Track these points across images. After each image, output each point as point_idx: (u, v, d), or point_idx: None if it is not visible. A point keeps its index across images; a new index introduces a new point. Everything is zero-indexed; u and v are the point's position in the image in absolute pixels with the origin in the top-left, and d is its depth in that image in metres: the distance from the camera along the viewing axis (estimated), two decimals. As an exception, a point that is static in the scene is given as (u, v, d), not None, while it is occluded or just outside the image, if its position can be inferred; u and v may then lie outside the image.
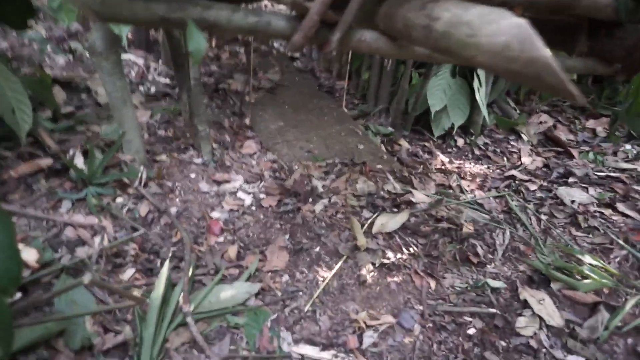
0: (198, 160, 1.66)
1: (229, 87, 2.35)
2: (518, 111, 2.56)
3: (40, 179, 1.40)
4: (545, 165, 2.10)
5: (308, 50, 2.96)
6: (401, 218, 1.50)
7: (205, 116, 1.61)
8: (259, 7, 0.63)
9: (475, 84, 2.02)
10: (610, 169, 2.11)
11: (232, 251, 1.28)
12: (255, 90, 2.30)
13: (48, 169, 1.43)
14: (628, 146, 2.35)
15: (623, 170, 2.10)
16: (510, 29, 0.49)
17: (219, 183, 1.58)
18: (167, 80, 2.36)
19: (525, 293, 1.28)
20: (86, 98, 2.00)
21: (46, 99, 1.59)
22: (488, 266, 1.40)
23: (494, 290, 1.31)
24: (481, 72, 2.06)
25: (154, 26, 0.56)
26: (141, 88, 2.24)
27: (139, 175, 1.43)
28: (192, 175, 1.58)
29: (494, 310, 1.22)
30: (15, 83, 1.18)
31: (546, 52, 0.44)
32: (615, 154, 2.29)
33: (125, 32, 1.13)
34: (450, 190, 1.77)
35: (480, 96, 2.06)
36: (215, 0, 0.59)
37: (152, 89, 2.23)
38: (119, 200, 1.38)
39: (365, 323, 1.14)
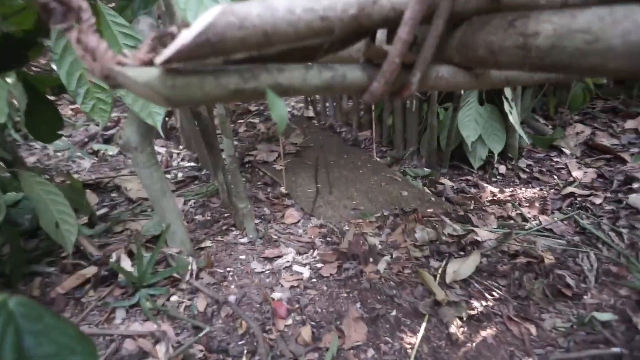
0: (244, 240, 1.58)
1: (255, 158, 2.32)
2: (550, 126, 2.48)
3: (88, 291, 1.32)
4: (600, 176, 1.97)
5: (322, 107, 2.96)
6: (473, 261, 1.37)
7: (245, 193, 1.55)
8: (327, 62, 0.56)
9: (507, 107, 1.95)
10: (669, 167, 1.98)
11: (306, 333, 1.16)
12: (281, 156, 2.26)
13: (94, 278, 1.35)
14: (678, 140, 2.22)
15: (684, 166, 1.96)
16: None
17: (271, 260, 1.48)
18: (192, 164, 2.34)
19: (642, 321, 1.12)
20: (117, 196, 1.97)
21: (81, 205, 1.55)
22: (585, 297, 1.25)
23: (605, 324, 1.15)
24: (509, 94, 2.01)
25: (226, 101, 0.50)
26: (168, 176, 2.21)
27: (189, 267, 1.35)
28: (242, 257, 1.49)
29: (617, 350, 1.06)
30: (57, 195, 1.14)
31: None
32: (667, 150, 2.16)
33: (159, 122, 1.10)
34: (512, 221, 1.64)
35: (514, 118, 1.99)
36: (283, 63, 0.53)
37: (179, 175, 2.21)
38: (174, 298, 1.28)
39: (476, 391, 0.99)
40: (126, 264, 1.34)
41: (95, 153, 2.48)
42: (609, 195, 1.77)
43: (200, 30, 0.36)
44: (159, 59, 0.38)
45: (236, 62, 0.50)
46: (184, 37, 0.36)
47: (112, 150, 2.49)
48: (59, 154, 2.44)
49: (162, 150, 2.48)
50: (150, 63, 0.46)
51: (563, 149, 2.26)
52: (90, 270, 1.37)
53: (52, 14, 0.44)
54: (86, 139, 2.75)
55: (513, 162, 2.14)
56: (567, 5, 0.78)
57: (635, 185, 1.81)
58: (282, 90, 0.54)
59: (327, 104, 2.93)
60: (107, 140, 2.75)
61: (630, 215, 1.59)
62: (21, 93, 1.26)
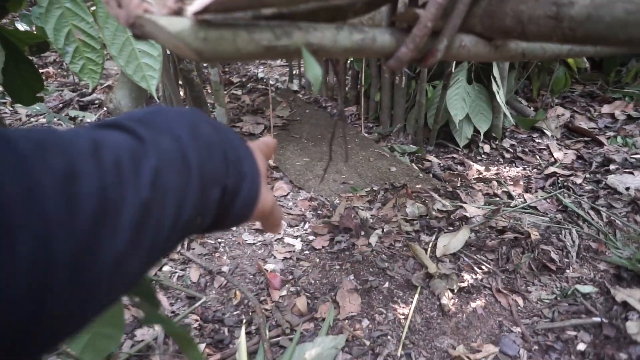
0: (234, 211, 1.56)
1: (241, 130, 2.28)
2: (532, 108, 2.53)
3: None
4: (579, 157, 2.04)
5: (307, 81, 2.92)
6: (463, 236, 1.40)
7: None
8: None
9: (494, 87, 1.97)
10: (644, 149, 2.06)
11: (301, 303, 1.17)
12: (268, 129, 2.23)
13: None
14: (653, 125, 2.31)
15: (658, 149, 2.05)
16: None
17: (262, 231, 1.47)
18: None
19: (621, 294, 1.18)
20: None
21: None
22: (567, 271, 1.31)
23: (586, 296, 1.21)
24: (497, 74, 2.03)
25: (257, 58, 0.48)
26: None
27: (181, 237, 1.33)
28: (233, 228, 1.47)
29: (597, 319, 1.12)
30: None
31: None
32: (641, 134, 2.25)
33: (154, 86, 1.05)
34: (498, 199, 1.69)
35: (501, 98, 2.02)
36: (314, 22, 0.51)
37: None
38: (166, 268, 1.26)
39: (468, 358, 1.02)
40: (115, 233, 1.31)
41: (72, 120, 2.37)
42: (588, 175, 1.84)
43: None
44: (193, 7, 0.36)
45: (265, 18, 0.48)
46: None
47: (89, 117, 2.39)
48: (32, 119, 2.32)
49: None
50: (178, 12, 0.43)
51: (544, 131, 2.31)
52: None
53: None
54: (60, 105, 2.63)
55: (497, 142, 2.18)
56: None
57: (612, 167, 1.89)
58: (312, 50, 0.52)
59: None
60: (84, 107, 2.64)
61: (609, 195, 1.65)
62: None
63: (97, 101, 2.77)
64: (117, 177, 0.22)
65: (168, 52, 1.65)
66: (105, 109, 2.54)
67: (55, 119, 1.99)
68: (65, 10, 0.95)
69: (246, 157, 0.33)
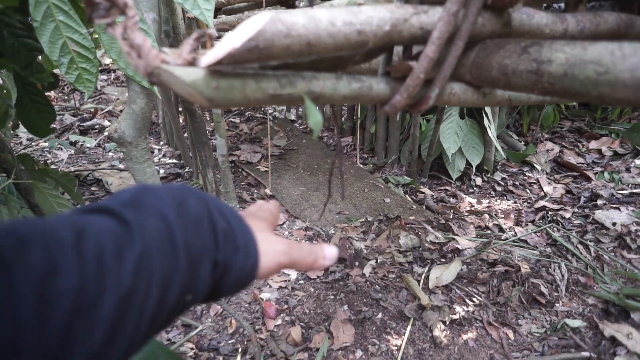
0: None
1: (238, 158, 2.32)
2: (522, 142, 2.60)
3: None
4: (568, 192, 2.09)
5: (304, 111, 2.99)
6: (454, 268, 1.43)
7: (234, 192, 1.55)
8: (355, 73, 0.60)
9: (486, 122, 2.04)
10: (630, 185, 2.12)
11: (296, 333, 1.18)
12: (265, 158, 2.27)
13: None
14: (637, 161, 2.39)
15: (643, 185, 2.11)
16: None
17: (258, 260, 1.49)
18: (174, 160, 2.32)
19: (609, 329, 1.21)
20: (97, 190, 1.93)
21: (72, 194, 1.52)
22: (557, 305, 1.34)
23: (575, 330, 1.23)
24: (488, 110, 2.10)
25: (262, 104, 0.53)
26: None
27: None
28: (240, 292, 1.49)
29: (586, 354, 1.14)
30: (66, 202, 1.13)
31: None
32: (628, 170, 2.32)
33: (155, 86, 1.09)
34: (490, 231, 1.73)
35: (492, 133, 2.09)
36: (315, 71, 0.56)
37: (161, 172, 2.18)
38: (162, 295, 1.28)
39: (460, 391, 1.04)
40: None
41: (72, 144, 2.41)
42: (576, 210, 1.88)
43: (251, 36, 0.38)
44: (206, 60, 0.40)
45: (271, 68, 0.53)
46: (235, 41, 0.39)
47: (90, 142, 2.43)
48: (33, 143, 2.35)
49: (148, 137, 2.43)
50: (192, 63, 0.48)
51: (535, 165, 2.38)
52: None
53: (96, 8, 0.45)
54: (61, 130, 2.67)
55: (489, 175, 2.23)
56: (567, 34, 0.85)
57: (599, 202, 1.94)
58: (313, 97, 0.57)
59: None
60: (84, 132, 2.68)
61: (596, 229, 1.70)
62: (12, 84, 1.23)
63: (97, 126, 2.81)
64: (98, 268, 0.22)
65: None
66: (106, 133, 2.59)
67: (56, 144, 2.02)
68: (59, 23, 0.99)
69: (239, 227, 0.32)
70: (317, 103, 0.68)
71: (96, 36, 1.14)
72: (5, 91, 1.55)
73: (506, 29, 0.64)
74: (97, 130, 2.74)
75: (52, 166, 2.06)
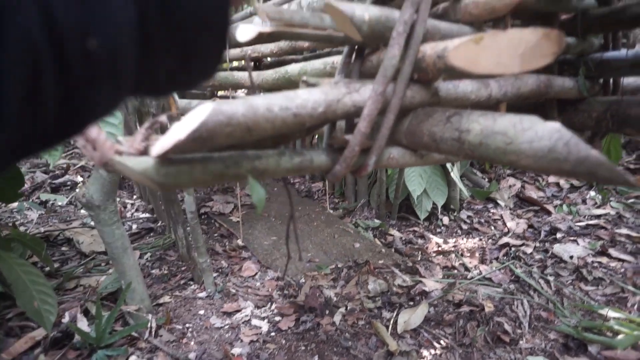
0: (202, 294, 1.60)
1: (211, 210, 2.35)
2: (486, 179, 2.72)
3: (38, 355, 1.28)
4: (530, 226, 2.19)
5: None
6: (422, 311, 1.47)
7: (205, 247, 1.58)
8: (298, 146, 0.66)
9: (448, 164, 2.15)
10: (587, 217, 2.23)
11: (266, 388, 1.20)
12: (238, 208, 2.31)
13: (45, 341, 1.32)
14: (592, 192, 2.52)
15: (598, 217, 2.22)
16: (550, 134, 0.53)
17: (229, 314, 1.51)
18: (147, 215, 2.33)
19: (568, 363, 1.26)
20: (68, 250, 1.93)
21: (40, 257, 1.52)
22: (521, 342, 1.38)
23: (537, 367, 1.28)
24: (449, 153, 2.21)
25: (210, 184, 0.58)
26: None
27: (148, 325, 1.35)
28: (201, 312, 1.50)
29: (547, 390, 1.18)
30: (38, 276, 1.15)
31: (595, 151, 0.49)
32: (584, 202, 2.44)
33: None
34: (456, 271, 1.78)
35: (455, 174, 2.19)
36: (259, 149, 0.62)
37: (134, 227, 2.19)
38: (132, 358, 1.27)
39: None
40: (82, 323, 1.32)
41: (43, 203, 2.41)
42: (537, 244, 1.97)
43: (194, 128, 0.43)
44: (156, 151, 0.46)
45: (219, 149, 0.59)
46: (179, 133, 0.44)
47: (61, 200, 2.43)
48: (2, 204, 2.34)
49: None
50: (144, 151, 0.54)
51: (498, 201, 2.48)
52: (40, 332, 1.33)
53: None
54: (31, 188, 2.66)
55: (455, 214, 2.32)
56: (491, 98, 0.95)
57: (558, 235, 2.03)
58: (258, 174, 0.63)
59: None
60: (56, 189, 2.68)
61: (555, 263, 1.78)
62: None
63: (69, 182, 2.82)
64: None
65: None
66: (77, 191, 2.59)
67: (25, 205, 2.02)
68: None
69: None
70: (262, 177, 0.74)
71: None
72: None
73: (435, 98, 0.72)
74: (69, 187, 2.74)
75: (22, 227, 2.06)
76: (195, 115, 0.45)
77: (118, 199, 2.48)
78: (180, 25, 0.24)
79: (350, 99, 0.60)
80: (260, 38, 0.67)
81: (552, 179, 2.70)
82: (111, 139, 0.78)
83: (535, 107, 1.19)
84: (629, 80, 1.18)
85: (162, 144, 0.46)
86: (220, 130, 0.46)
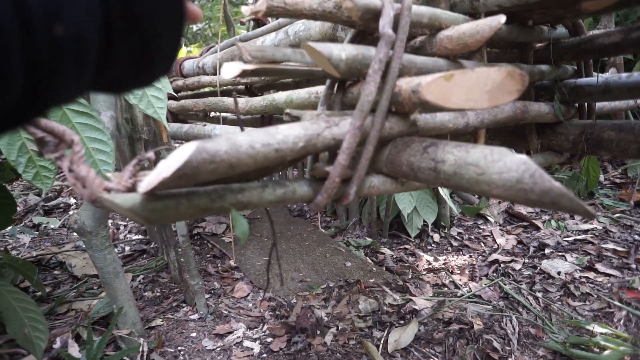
0: (194, 316, 1.61)
1: (204, 230, 2.37)
2: (476, 195, 2.75)
3: (30, 381, 1.28)
4: (519, 242, 2.22)
5: (268, 177, 3.09)
6: (412, 330, 1.49)
7: (196, 270, 1.60)
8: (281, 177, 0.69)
9: (436, 182, 2.18)
10: (574, 232, 2.27)
11: (258, 411, 1.20)
12: (230, 229, 2.32)
13: (37, 367, 1.32)
14: (581, 207, 2.55)
15: (586, 231, 2.26)
16: (518, 166, 0.56)
17: (221, 336, 1.52)
18: (140, 236, 2.34)
19: (556, 380, 1.27)
20: (60, 274, 1.93)
21: (32, 281, 1.52)
22: (509, 359, 1.40)
23: (526, 384, 1.29)
24: (438, 171, 2.25)
25: (196, 217, 0.61)
26: (115, 250, 2.19)
27: (140, 349, 1.36)
28: (193, 334, 1.51)
29: (535, 408, 1.20)
30: (29, 303, 1.16)
31: (557, 183, 0.52)
32: (572, 217, 2.48)
33: (164, 115, 1.15)
34: (446, 289, 1.80)
35: (444, 192, 2.22)
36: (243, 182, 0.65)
37: (127, 249, 2.20)
38: (124, 383, 1.28)
39: None
40: (73, 349, 1.32)
41: (35, 227, 2.41)
42: (526, 260, 2.00)
43: (179, 166, 0.46)
44: (142, 188, 0.48)
45: (203, 184, 0.61)
46: (165, 171, 0.47)
47: (54, 223, 2.44)
48: (-5, 228, 2.34)
49: (109, 222, 2.45)
50: (132, 188, 0.56)
51: (488, 217, 2.52)
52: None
53: (46, 145, 0.53)
54: (24, 211, 2.67)
55: (446, 231, 2.35)
56: (469, 126, 0.99)
57: (547, 251, 2.06)
58: (242, 206, 0.66)
59: (273, 175, 3.07)
60: (49, 212, 2.69)
61: (544, 279, 1.80)
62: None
63: (62, 205, 2.82)
64: None
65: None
66: (70, 213, 2.60)
67: (17, 230, 2.03)
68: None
69: None
70: (246, 209, 0.77)
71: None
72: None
73: (414, 128, 0.75)
74: (62, 210, 2.75)
75: (14, 251, 2.06)
76: (180, 153, 0.47)
77: (111, 221, 2.49)
78: (141, 21, 0.26)
79: (330, 133, 0.63)
80: (244, 74, 0.71)
81: (540, 194, 2.74)
82: (100, 176, 0.80)
83: (516, 131, 1.23)
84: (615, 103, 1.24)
85: (148, 181, 0.48)
86: (204, 167, 0.49)
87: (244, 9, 0.66)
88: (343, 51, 0.60)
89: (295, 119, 0.86)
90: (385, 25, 0.62)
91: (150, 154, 0.60)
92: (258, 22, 1.82)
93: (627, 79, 1.02)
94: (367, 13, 0.65)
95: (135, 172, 0.56)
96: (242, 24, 1.84)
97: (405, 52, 0.81)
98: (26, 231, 2.07)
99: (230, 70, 0.70)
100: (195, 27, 7.95)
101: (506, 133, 1.22)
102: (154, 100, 1.14)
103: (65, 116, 1.11)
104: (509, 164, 0.57)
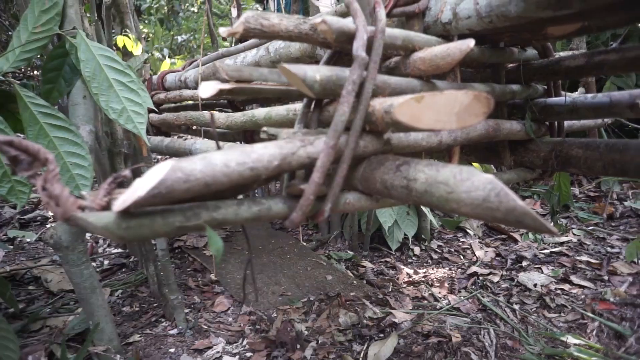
0: (173, 331, 1.59)
1: (184, 244, 2.35)
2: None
3: (1, 400, 1.25)
4: (498, 255, 2.26)
5: (252, 193, 3.09)
6: (391, 343, 1.50)
7: (176, 284, 1.58)
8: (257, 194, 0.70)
9: (416, 195, 2.22)
10: (551, 244, 2.32)
11: None
12: (212, 242, 2.31)
13: (9, 385, 1.28)
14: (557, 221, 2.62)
15: (562, 244, 2.31)
16: (484, 185, 0.58)
17: (201, 352, 1.50)
18: (119, 250, 2.31)
19: (532, 391, 1.30)
20: (35, 289, 1.89)
21: (5, 297, 1.49)
22: (487, 371, 1.42)
23: (502, 396, 1.31)
24: (418, 185, 2.28)
25: (171, 235, 0.61)
26: (93, 264, 2.16)
27: (116, 366, 1.33)
28: (172, 350, 1.49)
29: (511, 420, 1.21)
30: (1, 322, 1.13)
31: (521, 202, 0.54)
32: (549, 229, 2.53)
33: (143, 130, 1.14)
34: (425, 301, 1.82)
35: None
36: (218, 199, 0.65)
37: (106, 263, 2.17)
38: (99, 401, 1.25)
39: None
40: (47, 367, 1.30)
41: (10, 240, 2.36)
42: (504, 273, 2.03)
43: (154, 185, 0.46)
44: (117, 206, 0.49)
45: (179, 202, 0.62)
46: (139, 189, 0.47)
47: (30, 236, 2.39)
48: (-32, 242, 2.29)
49: (87, 235, 2.42)
50: (107, 206, 0.56)
51: (468, 230, 2.56)
52: (4, 376, 1.30)
53: (20, 163, 0.54)
54: None
55: (426, 244, 2.38)
56: (442, 144, 1.01)
57: (524, 263, 2.10)
58: (217, 224, 0.67)
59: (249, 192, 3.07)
60: (25, 225, 2.63)
61: (521, 292, 1.84)
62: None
63: (39, 217, 2.77)
64: None
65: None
66: (47, 227, 2.55)
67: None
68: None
69: None
70: (221, 226, 0.78)
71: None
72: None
73: (388, 147, 0.77)
74: (39, 223, 2.70)
75: (-13, 266, 2.01)
76: (155, 172, 0.48)
77: (90, 235, 2.45)
78: None
79: (305, 152, 0.65)
80: (221, 94, 0.72)
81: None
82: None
83: (491, 148, 1.27)
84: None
85: (123, 199, 0.49)
86: (178, 186, 0.49)
87: (222, 31, 0.67)
88: (317, 73, 0.61)
89: (272, 137, 0.88)
90: (358, 48, 0.64)
91: (127, 172, 0.60)
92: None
93: (592, 99, 1.06)
94: (341, 36, 0.67)
95: (111, 190, 0.56)
96: (224, 39, 1.86)
97: (380, 73, 0.84)
98: (0, 246, 2.03)
99: (208, 90, 0.71)
100: (180, 39, 7.95)
101: (481, 149, 1.26)
102: (133, 115, 1.14)
103: (42, 130, 1.11)
104: (476, 183, 0.59)
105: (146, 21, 7.62)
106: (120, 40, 3.81)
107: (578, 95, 1.13)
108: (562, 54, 1.07)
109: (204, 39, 1.89)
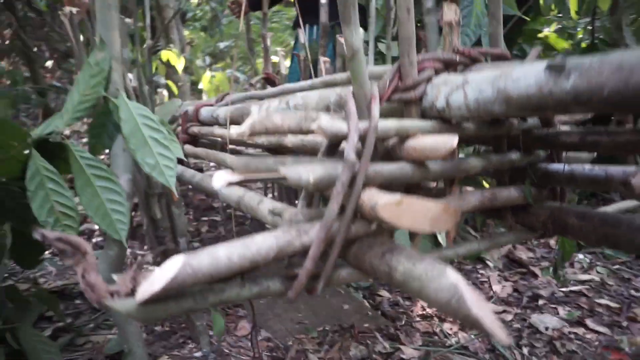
0: (198, 354, 1.73)
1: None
2: (478, 237, 2.82)
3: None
4: (515, 290, 2.28)
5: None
6: (398, 379, 1.58)
7: (203, 311, 1.73)
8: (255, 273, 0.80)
9: (435, 229, 2.27)
10: (572, 282, 2.32)
11: None
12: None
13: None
14: (581, 255, 2.60)
15: (583, 282, 2.30)
16: (448, 288, 0.66)
17: (220, 376, 1.63)
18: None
19: None
20: (81, 303, 2.08)
21: (56, 312, 1.69)
22: (488, 415, 1.47)
23: None
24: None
25: (181, 315, 0.73)
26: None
27: (145, 386, 1.48)
28: None
29: None
30: (50, 345, 1.31)
31: (475, 311, 0.62)
32: (572, 264, 2.52)
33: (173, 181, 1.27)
34: (436, 337, 1.88)
35: (442, 236, 2.31)
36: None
37: (141, 280, 2.34)
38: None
39: None
40: (86, 384, 1.46)
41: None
42: (518, 311, 2.06)
43: (166, 282, 0.57)
44: (138, 298, 0.61)
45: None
46: (156, 283, 0.59)
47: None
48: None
49: (128, 251, 2.62)
50: (132, 291, 0.69)
51: (487, 262, 2.58)
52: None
53: (64, 252, 0.67)
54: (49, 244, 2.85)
55: (444, 274, 2.42)
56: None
57: (540, 302, 2.12)
58: (222, 302, 0.78)
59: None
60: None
61: (531, 334, 1.87)
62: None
63: (86, 231, 3.01)
64: None
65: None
66: (95, 239, 2.77)
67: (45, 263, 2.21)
68: (49, 191, 1.22)
69: None
70: (225, 304, 0.90)
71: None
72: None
73: (378, 230, 0.87)
74: (86, 236, 2.93)
75: (41, 279, 2.23)
76: (169, 268, 0.60)
77: (129, 250, 2.65)
78: None
79: (299, 242, 0.75)
80: (231, 184, 0.84)
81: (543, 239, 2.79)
82: (112, 231, 0.94)
83: (495, 210, 1.33)
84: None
85: (142, 291, 0.61)
86: (189, 280, 0.61)
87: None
88: (311, 174, 0.71)
89: (277, 215, 1.00)
90: (349, 152, 0.73)
91: (149, 257, 0.73)
92: (268, 80, 1.97)
93: (589, 171, 1.11)
94: (335, 138, 0.78)
95: (136, 276, 0.69)
96: (251, 84, 1.99)
97: (378, 153, 0.94)
98: (52, 265, 2.24)
99: (219, 181, 0.84)
100: (222, 45, 8.22)
101: (486, 211, 1.32)
102: (165, 169, 1.28)
103: (88, 180, 1.27)
104: (442, 284, 0.68)
105: (191, 27, 7.93)
106: (165, 55, 4.03)
107: (575, 165, 1.18)
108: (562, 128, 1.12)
109: (233, 78, 2.02)
